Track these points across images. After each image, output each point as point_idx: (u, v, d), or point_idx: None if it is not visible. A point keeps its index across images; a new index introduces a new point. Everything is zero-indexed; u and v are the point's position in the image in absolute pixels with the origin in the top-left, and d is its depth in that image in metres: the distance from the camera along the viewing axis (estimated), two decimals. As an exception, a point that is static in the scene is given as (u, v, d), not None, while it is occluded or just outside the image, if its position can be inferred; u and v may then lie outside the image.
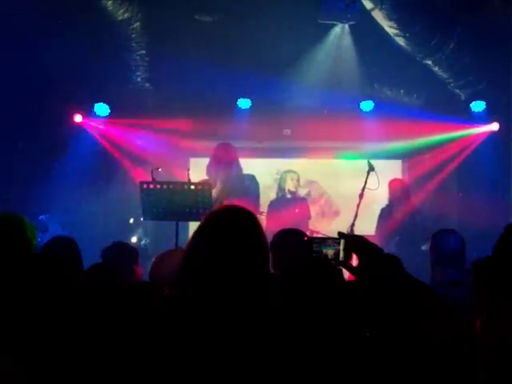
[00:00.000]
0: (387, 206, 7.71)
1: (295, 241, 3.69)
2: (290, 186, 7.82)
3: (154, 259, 3.98)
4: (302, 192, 8.07)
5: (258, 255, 2.14)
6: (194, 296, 2.09)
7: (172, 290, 2.20)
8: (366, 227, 7.66)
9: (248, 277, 2.09)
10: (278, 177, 8.25)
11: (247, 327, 2.05)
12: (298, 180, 7.88)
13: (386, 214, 7.66)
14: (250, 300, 2.08)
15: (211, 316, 2.05)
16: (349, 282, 2.45)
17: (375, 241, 2.26)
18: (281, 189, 7.92)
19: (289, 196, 7.83)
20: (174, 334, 2.06)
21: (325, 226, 8.86)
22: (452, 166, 9.04)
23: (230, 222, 2.19)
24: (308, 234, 5.83)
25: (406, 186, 7.83)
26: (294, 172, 7.91)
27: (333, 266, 2.33)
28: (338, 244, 2.19)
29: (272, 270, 3.74)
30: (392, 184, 7.58)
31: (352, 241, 2.18)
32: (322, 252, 2.24)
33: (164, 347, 2.06)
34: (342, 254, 2.18)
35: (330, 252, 2.22)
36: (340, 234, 2.21)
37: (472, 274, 2.97)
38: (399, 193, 7.62)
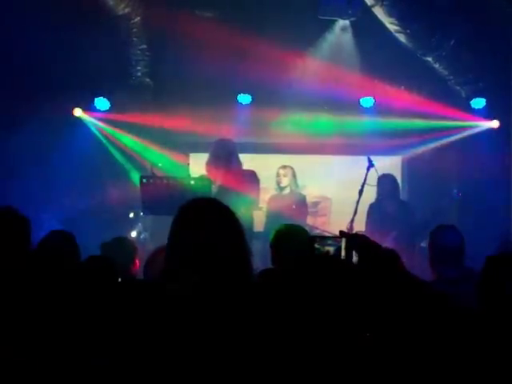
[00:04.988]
0: (376, 201, 7.70)
1: (297, 238, 3.69)
2: (284, 181, 7.79)
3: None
4: (299, 188, 8.03)
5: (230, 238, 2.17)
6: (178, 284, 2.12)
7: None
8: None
9: (227, 264, 2.11)
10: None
11: (229, 322, 2.06)
12: (294, 175, 7.84)
13: (375, 209, 7.64)
14: (229, 289, 2.09)
15: (195, 308, 2.07)
16: (350, 280, 2.45)
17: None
18: (278, 185, 7.89)
19: (284, 192, 7.80)
20: (158, 330, 2.08)
21: (323, 223, 8.88)
22: (451, 163, 9.04)
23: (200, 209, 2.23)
24: (307, 230, 5.84)
25: (395, 181, 7.82)
26: (290, 167, 7.88)
27: (334, 263, 2.33)
28: (340, 242, 2.20)
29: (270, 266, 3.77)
30: (381, 179, 7.57)
31: (353, 239, 2.18)
32: (323, 250, 2.25)
33: (155, 343, 2.07)
34: (343, 253, 2.19)
35: (331, 250, 2.23)
36: (341, 232, 2.22)
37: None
38: (389, 188, 7.62)
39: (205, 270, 2.10)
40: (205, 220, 2.19)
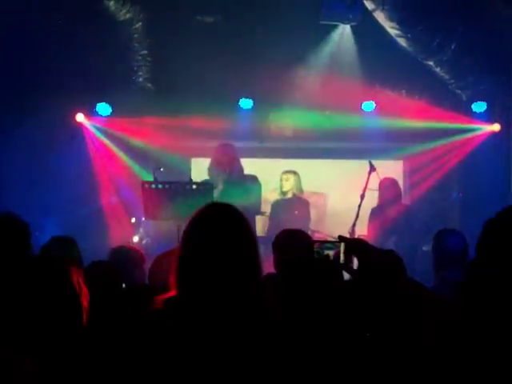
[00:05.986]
0: (378, 205, 7.69)
1: (297, 241, 3.69)
2: (286, 186, 7.78)
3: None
4: (302, 193, 8.03)
5: (246, 245, 2.19)
6: (191, 291, 2.12)
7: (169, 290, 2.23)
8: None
9: (240, 269, 2.14)
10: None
11: (245, 325, 2.07)
12: (297, 180, 7.84)
13: (377, 213, 7.63)
14: (244, 294, 2.11)
15: (209, 312, 2.08)
16: (348, 282, 2.46)
17: (368, 241, 2.26)
18: (280, 189, 7.89)
19: (287, 196, 7.79)
20: (171, 334, 2.08)
21: (325, 227, 8.87)
22: (453, 167, 9.05)
23: (216, 215, 2.26)
24: (309, 234, 5.85)
25: (397, 185, 7.81)
26: (293, 172, 7.88)
27: (332, 265, 2.34)
28: (339, 247, 2.20)
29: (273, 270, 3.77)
30: (383, 183, 7.57)
31: (353, 244, 2.18)
32: (323, 254, 2.25)
33: (161, 349, 2.07)
34: (342, 257, 2.19)
35: (330, 254, 2.23)
36: (340, 237, 2.22)
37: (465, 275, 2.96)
38: (391, 192, 7.61)
39: (217, 276, 2.12)
40: (219, 227, 2.21)
